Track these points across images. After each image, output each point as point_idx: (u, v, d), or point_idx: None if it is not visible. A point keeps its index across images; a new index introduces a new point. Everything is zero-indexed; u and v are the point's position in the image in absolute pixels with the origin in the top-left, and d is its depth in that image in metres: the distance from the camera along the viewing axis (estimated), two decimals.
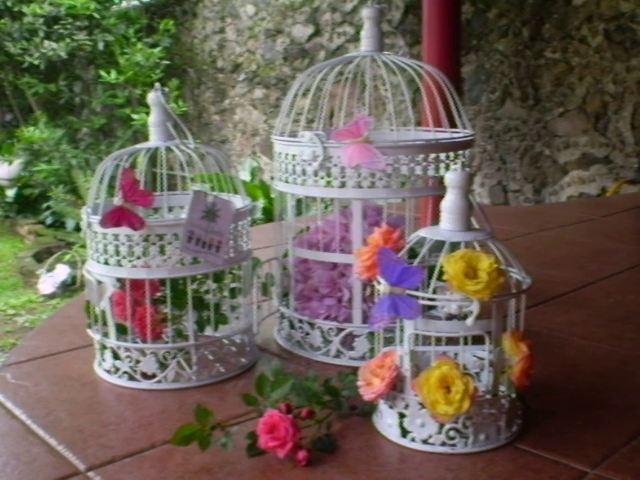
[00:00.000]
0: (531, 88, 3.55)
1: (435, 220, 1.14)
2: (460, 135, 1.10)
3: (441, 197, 1.11)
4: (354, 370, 0.99)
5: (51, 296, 3.57)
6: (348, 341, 1.10)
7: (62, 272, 3.75)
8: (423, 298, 0.80)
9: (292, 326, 1.15)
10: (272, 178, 4.52)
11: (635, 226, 2.28)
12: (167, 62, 4.80)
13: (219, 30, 4.79)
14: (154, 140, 1.06)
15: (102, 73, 4.61)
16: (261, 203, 3.91)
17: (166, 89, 1.05)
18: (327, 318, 1.10)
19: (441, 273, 0.80)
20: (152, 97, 1.05)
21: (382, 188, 1.03)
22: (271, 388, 0.85)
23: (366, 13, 1.14)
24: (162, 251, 0.98)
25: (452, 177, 0.84)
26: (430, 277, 0.82)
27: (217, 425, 0.82)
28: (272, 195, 3.98)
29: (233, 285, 1.10)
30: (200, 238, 0.97)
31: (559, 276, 1.56)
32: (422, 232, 0.87)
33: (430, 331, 0.82)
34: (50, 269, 3.85)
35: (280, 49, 4.49)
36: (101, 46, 4.71)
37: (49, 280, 3.70)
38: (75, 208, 4.76)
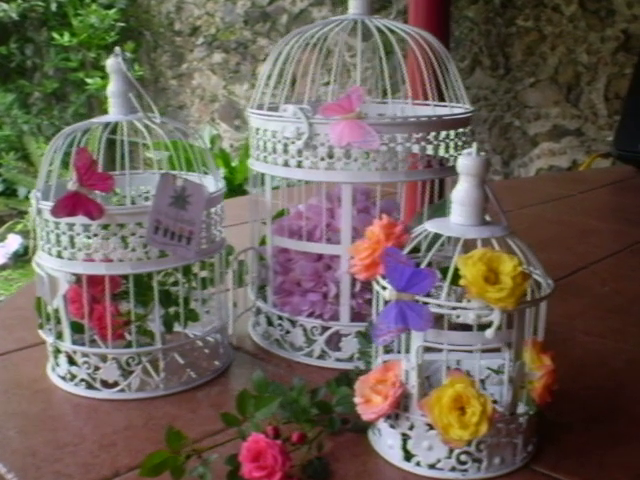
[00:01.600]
0: (501, 57, 3.44)
1: (426, 205, 1.03)
2: (462, 110, 0.98)
3: (433, 181, 1.01)
4: (342, 375, 0.88)
5: (2, 267, 3.40)
6: (334, 341, 0.98)
7: (14, 242, 3.59)
8: (435, 306, 0.68)
9: (270, 323, 1.03)
10: (238, 150, 4.36)
11: (615, 203, 2.20)
12: (122, 24, 4.60)
13: None
14: (114, 113, 0.92)
15: (55, 35, 4.42)
16: (221, 173, 3.74)
17: (127, 54, 0.91)
18: (311, 315, 0.98)
19: (455, 276, 0.69)
20: (111, 63, 0.90)
21: (375, 171, 0.91)
22: (255, 407, 0.73)
23: None
24: (124, 243, 0.85)
25: (466, 163, 0.72)
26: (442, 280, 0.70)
27: (192, 452, 0.70)
28: (233, 164, 3.83)
29: (203, 274, 0.97)
30: (168, 228, 0.84)
31: (549, 259, 1.46)
32: (429, 226, 0.75)
33: (442, 343, 0.70)
34: (1, 239, 3.69)
35: (241, 12, 4.31)
36: (54, 7, 4.50)
37: (0, 250, 3.54)
38: (27, 176, 4.57)
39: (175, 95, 4.83)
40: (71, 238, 0.85)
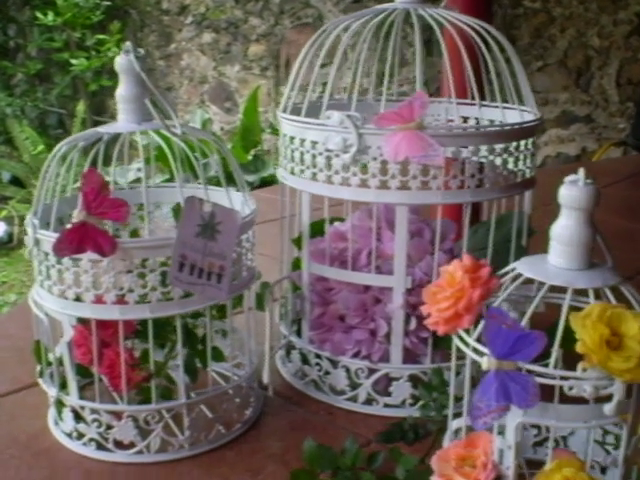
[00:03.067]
0: (508, 39, 3.29)
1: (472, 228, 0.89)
2: (533, 117, 0.84)
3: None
4: (395, 427, 0.75)
5: None
6: (382, 384, 0.85)
7: None
8: (543, 376, 0.55)
9: (305, 361, 0.89)
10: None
11: None
12: (108, 3, 4.42)
13: None
14: (124, 120, 0.77)
15: (38, 15, 4.23)
16: (214, 160, 3.58)
17: (141, 50, 0.76)
18: (356, 355, 0.84)
19: (566, 338, 0.55)
20: (122, 62, 0.75)
21: (436, 190, 0.77)
22: None
23: None
24: (141, 280, 0.71)
25: (572, 194, 0.58)
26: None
27: None
28: (225, 151, 3.66)
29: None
30: (195, 264, 0.70)
31: None
32: (522, 268, 0.61)
33: (549, 420, 0.57)
34: None
35: None
36: None
37: None
38: (10, 160, 4.41)
39: (163, 76, 4.65)
40: (77, 275, 0.71)
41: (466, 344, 0.60)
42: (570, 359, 0.57)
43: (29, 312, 0.78)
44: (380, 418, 0.83)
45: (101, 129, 0.78)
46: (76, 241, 0.66)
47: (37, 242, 0.72)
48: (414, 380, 0.83)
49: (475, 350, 0.58)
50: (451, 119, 1.01)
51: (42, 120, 4.80)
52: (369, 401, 0.85)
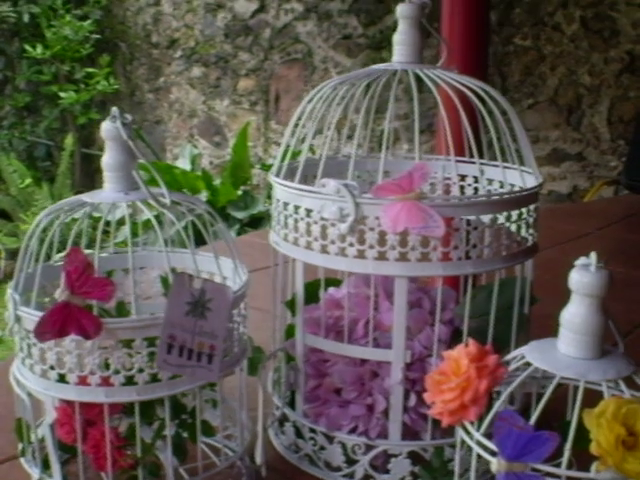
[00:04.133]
0: (498, 77, 3.29)
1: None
2: (535, 182, 0.82)
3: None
4: None
5: None
6: (381, 460, 0.81)
7: None
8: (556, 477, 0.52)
9: (299, 434, 0.85)
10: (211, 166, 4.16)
11: (637, 242, 2.05)
12: (97, 36, 4.42)
13: (154, 2, 4.40)
14: (110, 190, 0.74)
15: (27, 47, 4.22)
16: (204, 196, 3.55)
17: (129, 117, 0.73)
18: (353, 431, 0.81)
19: (579, 436, 0.52)
20: (108, 128, 0.72)
21: (437, 261, 0.74)
22: None
23: (402, 11, 0.83)
24: (128, 359, 0.67)
25: (584, 281, 0.55)
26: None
27: None
28: (215, 184, 3.63)
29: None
30: (185, 345, 0.66)
31: None
32: (530, 355, 0.58)
33: None
34: None
35: (221, 25, 4.12)
36: (26, 18, 4.32)
37: None
38: None
39: (152, 109, 4.64)
40: (60, 355, 0.67)
41: (471, 436, 0.56)
42: (583, 455, 0.54)
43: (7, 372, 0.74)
44: None
45: (85, 197, 0.74)
46: (59, 323, 0.63)
47: (18, 319, 0.69)
48: (414, 457, 0.79)
49: (480, 444, 0.54)
50: (448, 177, 0.98)
51: (30, 152, 4.77)
52: (367, 478, 0.81)
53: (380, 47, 3.57)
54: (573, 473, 0.52)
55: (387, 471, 0.80)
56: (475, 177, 0.96)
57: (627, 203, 2.53)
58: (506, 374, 0.58)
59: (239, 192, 3.63)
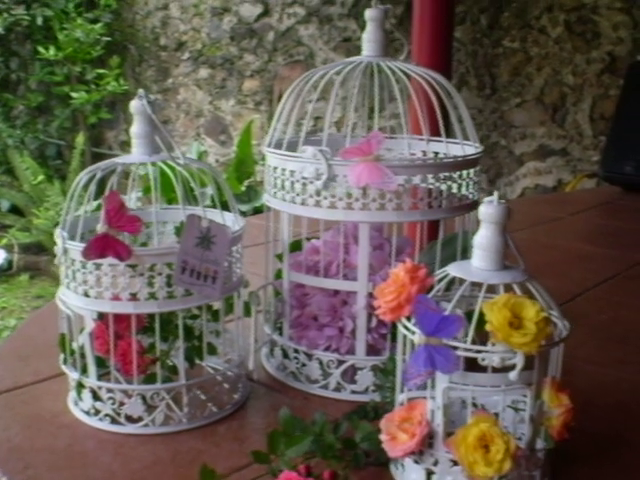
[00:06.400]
0: (488, 77, 3.50)
1: (430, 242, 1.06)
2: (475, 150, 1.01)
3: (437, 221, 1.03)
4: (360, 408, 0.91)
5: None
6: (349, 374, 1.01)
7: None
8: (462, 349, 0.72)
9: (286, 355, 1.05)
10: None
11: (605, 225, 2.25)
12: (108, 38, 4.60)
13: (162, 6, 4.60)
14: (137, 153, 0.94)
15: (40, 49, 4.40)
16: (210, 190, 3.74)
17: (152, 97, 0.93)
18: (327, 349, 1.01)
19: (481, 322, 0.72)
20: (136, 105, 0.93)
21: (392, 210, 0.94)
22: (286, 445, 0.76)
23: (369, 14, 1.04)
24: (151, 283, 0.87)
25: (488, 211, 0.75)
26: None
27: None
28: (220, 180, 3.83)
29: (216, 307, 0.99)
30: (195, 268, 0.87)
31: (545, 286, 1.51)
32: (452, 270, 0.78)
33: (467, 384, 0.73)
34: None
35: (227, 28, 4.33)
36: (39, 21, 4.49)
37: None
38: (10, 189, 4.55)
39: (160, 110, 4.83)
40: (98, 277, 0.87)
41: (407, 328, 0.76)
42: (485, 339, 0.74)
43: (46, 317, 0.94)
44: (348, 403, 0.99)
45: (118, 160, 0.95)
46: (100, 248, 0.83)
47: (66, 251, 0.89)
48: (375, 370, 0.99)
49: (409, 330, 0.74)
50: (413, 152, 1.18)
51: (42, 151, 4.95)
52: (338, 388, 1.01)
53: None
54: (476, 347, 0.72)
55: (355, 382, 1.00)
56: (436, 153, 1.16)
57: (604, 193, 2.72)
58: (432, 283, 0.78)
59: (243, 187, 3.83)
